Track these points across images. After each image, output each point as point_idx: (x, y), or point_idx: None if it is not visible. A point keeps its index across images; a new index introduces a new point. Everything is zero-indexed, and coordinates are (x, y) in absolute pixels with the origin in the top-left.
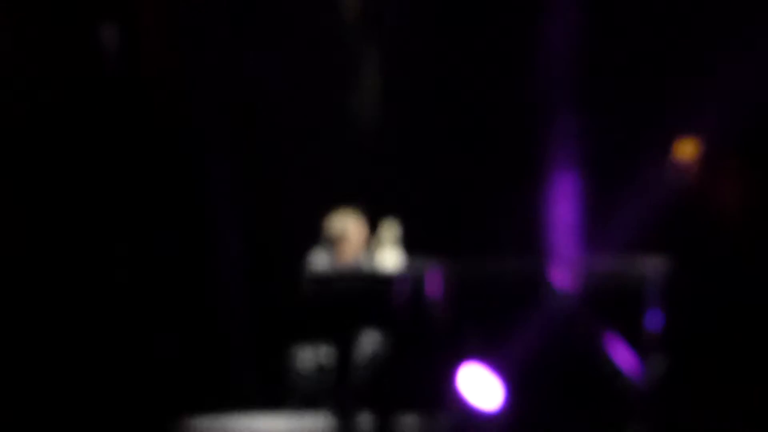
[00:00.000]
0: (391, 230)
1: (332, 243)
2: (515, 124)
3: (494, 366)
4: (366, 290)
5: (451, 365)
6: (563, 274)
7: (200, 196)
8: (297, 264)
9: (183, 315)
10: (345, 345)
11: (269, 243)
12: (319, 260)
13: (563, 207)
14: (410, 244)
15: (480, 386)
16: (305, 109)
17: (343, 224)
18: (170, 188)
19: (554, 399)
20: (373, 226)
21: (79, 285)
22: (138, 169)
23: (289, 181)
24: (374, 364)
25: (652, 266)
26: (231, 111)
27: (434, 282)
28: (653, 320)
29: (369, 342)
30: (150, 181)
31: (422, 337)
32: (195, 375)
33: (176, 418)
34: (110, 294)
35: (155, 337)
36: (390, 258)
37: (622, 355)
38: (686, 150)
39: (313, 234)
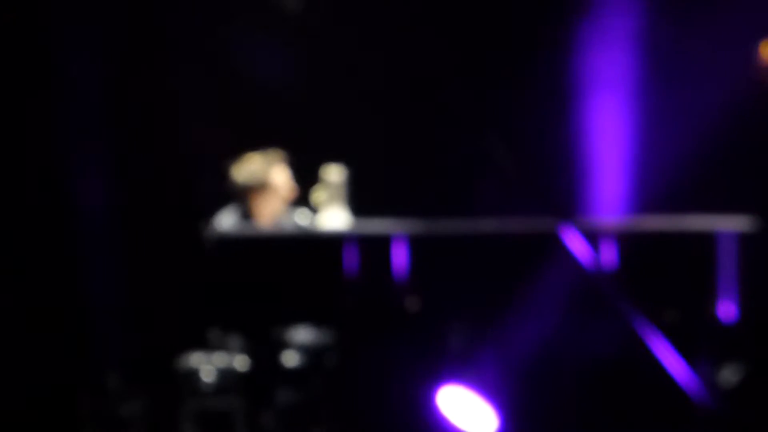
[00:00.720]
0: (334, 180)
1: (243, 197)
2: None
3: (487, 377)
4: (297, 258)
5: (428, 376)
6: (586, 237)
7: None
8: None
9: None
10: (266, 345)
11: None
12: (227, 221)
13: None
14: (361, 202)
15: (467, 407)
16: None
17: (259, 170)
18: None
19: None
20: (304, 179)
21: None
22: None
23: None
24: (311, 374)
25: (724, 228)
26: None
27: (401, 252)
28: (723, 307)
29: (302, 339)
30: None
31: (383, 334)
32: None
33: None
34: None
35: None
36: (333, 219)
37: (673, 357)
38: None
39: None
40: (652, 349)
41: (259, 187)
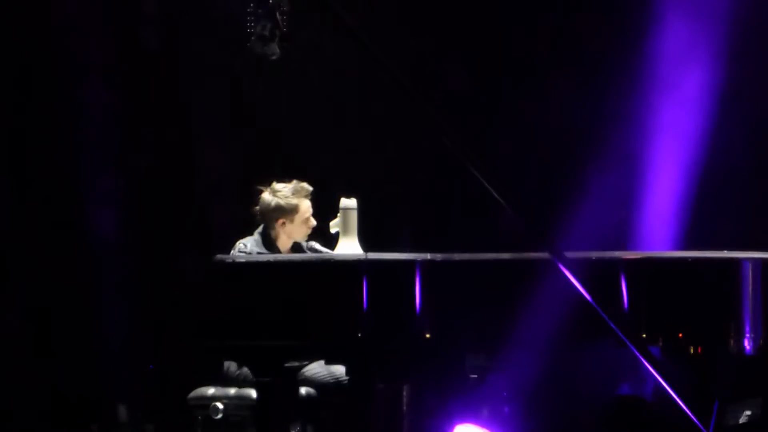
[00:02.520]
0: (348, 210)
1: (269, 221)
2: None
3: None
4: (312, 286)
5: (444, 409)
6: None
7: None
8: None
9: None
10: (279, 377)
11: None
12: (248, 246)
13: None
14: (374, 235)
15: None
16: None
17: (288, 196)
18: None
19: None
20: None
21: None
22: None
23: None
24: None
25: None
26: None
27: (415, 281)
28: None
29: (316, 371)
30: None
31: (399, 365)
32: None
33: None
34: None
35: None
36: (347, 249)
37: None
38: None
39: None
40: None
41: (286, 213)
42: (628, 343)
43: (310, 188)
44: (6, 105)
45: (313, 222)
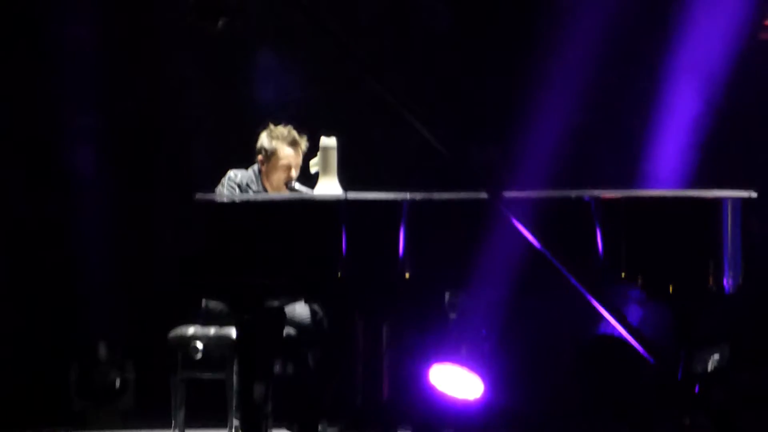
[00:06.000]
0: (328, 149)
1: (261, 159)
2: None
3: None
4: (292, 226)
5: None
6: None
7: None
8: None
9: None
10: (260, 316)
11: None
12: (247, 180)
13: None
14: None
15: (456, 377)
16: None
17: (269, 139)
18: None
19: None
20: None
21: None
22: None
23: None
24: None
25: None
26: None
27: (395, 220)
28: (720, 282)
29: (298, 311)
30: None
31: (380, 305)
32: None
33: None
34: None
35: None
36: (327, 189)
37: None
38: None
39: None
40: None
41: (265, 154)
42: (581, 289)
43: (297, 138)
44: None
45: (293, 174)
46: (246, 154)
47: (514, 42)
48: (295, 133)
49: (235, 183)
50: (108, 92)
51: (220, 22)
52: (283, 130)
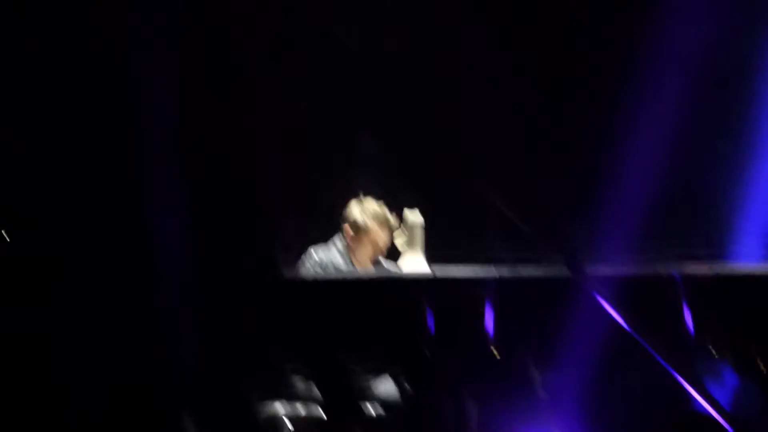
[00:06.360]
0: (412, 224)
1: (342, 227)
2: None
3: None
4: (378, 303)
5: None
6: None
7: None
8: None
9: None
10: (346, 393)
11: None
12: (333, 259)
13: None
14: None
15: None
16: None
17: (365, 215)
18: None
19: None
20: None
21: None
22: None
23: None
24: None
25: None
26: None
27: (483, 298)
28: None
29: (384, 388)
30: None
31: (466, 381)
32: None
33: None
34: None
35: None
36: (412, 265)
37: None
38: None
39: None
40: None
41: (357, 229)
42: (669, 368)
43: (391, 219)
44: (76, 107)
45: (383, 252)
46: (332, 230)
47: (596, 117)
48: (388, 213)
49: (319, 265)
50: (192, 163)
51: None
52: (375, 206)
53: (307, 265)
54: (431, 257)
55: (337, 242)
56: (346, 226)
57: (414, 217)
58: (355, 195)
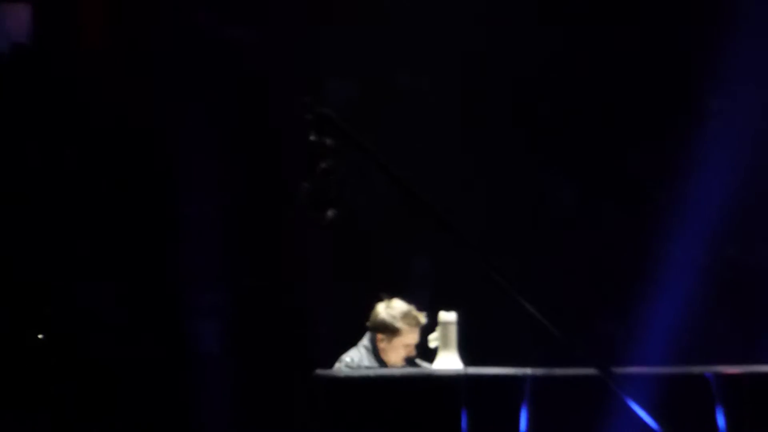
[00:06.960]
0: (447, 325)
1: (372, 331)
2: None
3: None
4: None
5: None
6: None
7: None
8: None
9: None
10: None
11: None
12: (362, 360)
13: None
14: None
15: None
16: None
17: (394, 317)
18: None
19: None
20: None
21: None
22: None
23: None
24: None
25: None
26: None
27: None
28: None
29: None
30: None
31: None
32: None
33: None
34: None
35: None
36: (446, 364)
37: None
38: None
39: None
40: None
41: (387, 331)
42: None
43: (422, 320)
44: (118, 222)
45: (412, 352)
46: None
47: (632, 220)
48: (416, 313)
49: (348, 366)
50: (230, 269)
51: (329, 213)
52: (404, 307)
53: (337, 366)
54: (465, 360)
55: (367, 343)
56: (377, 332)
57: (448, 316)
58: (380, 299)
